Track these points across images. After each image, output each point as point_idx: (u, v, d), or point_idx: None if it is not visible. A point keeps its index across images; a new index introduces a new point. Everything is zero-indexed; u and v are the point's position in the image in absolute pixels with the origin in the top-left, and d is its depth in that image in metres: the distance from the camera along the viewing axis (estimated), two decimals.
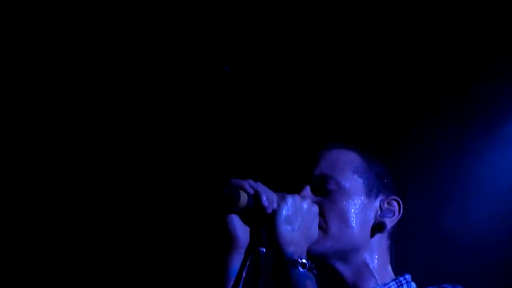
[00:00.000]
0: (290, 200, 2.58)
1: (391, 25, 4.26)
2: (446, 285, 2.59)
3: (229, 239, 2.55)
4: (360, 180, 2.71)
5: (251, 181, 2.57)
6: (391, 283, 2.68)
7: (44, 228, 4.63)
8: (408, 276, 2.71)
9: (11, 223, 4.58)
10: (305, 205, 2.60)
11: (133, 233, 4.62)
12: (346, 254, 2.66)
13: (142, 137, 4.53)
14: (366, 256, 2.67)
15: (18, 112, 4.54)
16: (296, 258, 2.49)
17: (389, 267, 2.72)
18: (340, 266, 2.66)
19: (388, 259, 2.72)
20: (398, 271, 2.74)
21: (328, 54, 4.37)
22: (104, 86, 4.53)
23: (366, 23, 4.26)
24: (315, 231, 2.61)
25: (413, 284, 2.71)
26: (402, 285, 2.68)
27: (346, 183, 2.69)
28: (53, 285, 4.64)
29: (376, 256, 2.68)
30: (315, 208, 2.63)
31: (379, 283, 2.66)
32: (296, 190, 2.70)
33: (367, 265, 2.67)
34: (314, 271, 2.51)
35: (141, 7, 4.32)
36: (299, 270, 2.48)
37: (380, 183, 2.73)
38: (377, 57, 4.32)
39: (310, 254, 2.55)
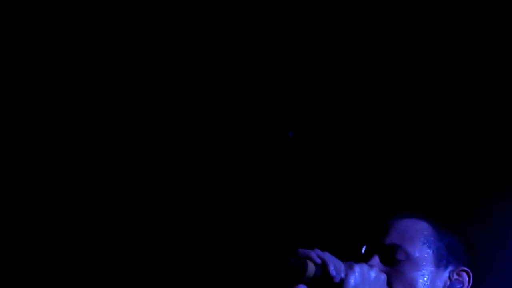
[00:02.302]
0: (357, 269, 2.56)
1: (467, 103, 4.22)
2: None
3: None
4: (430, 251, 2.68)
5: (318, 251, 2.56)
6: None
7: (44, 228, 4.61)
8: None
9: (11, 223, 4.57)
10: (373, 274, 2.58)
11: None
12: None
13: (208, 210, 4.52)
14: None
15: (18, 112, 4.49)
16: None
17: None
18: None
19: None
20: None
21: (397, 122, 4.33)
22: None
23: (435, 96, 4.22)
24: None
25: None
26: None
27: (416, 253, 2.66)
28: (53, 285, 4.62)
29: None
30: (383, 277, 2.61)
31: None
32: (365, 259, 2.68)
33: None
34: None
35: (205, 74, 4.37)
36: None
37: (450, 253, 2.70)
38: (450, 130, 4.27)
39: None
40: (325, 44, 4.21)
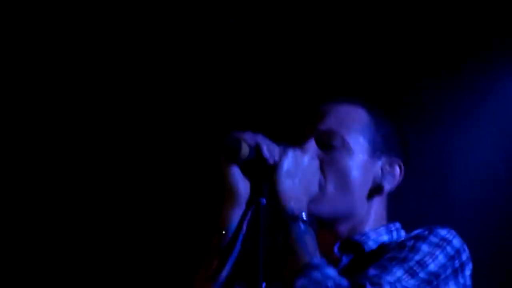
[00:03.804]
0: (291, 153, 2.55)
1: None
2: (434, 226, 2.58)
3: (230, 192, 2.55)
4: (365, 140, 2.68)
5: (252, 133, 2.54)
6: (381, 228, 2.70)
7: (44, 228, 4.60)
8: (398, 224, 2.73)
9: (10, 223, 4.55)
10: (306, 159, 2.57)
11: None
12: (342, 215, 2.67)
13: (142, 90, 4.47)
14: (363, 216, 2.68)
15: (18, 112, 4.48)
16: (296, 214, 2.49)
17: (384, 223, 2.73)
18: (336, 225, 2.68)
19: (385, 219, 2.74)
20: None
21: (335, 11, 4.27)
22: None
23: None
24: (315, 187, 2.60)
25: (403, 232, 2.71)
26: (391, 231, 2.70)
27: (351, 141, 2.66)
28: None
29: (373, 217, 2.69)
30: (316, 163, 2.61)
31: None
32: (301, 142, 2.66)
33: (362, 223, 2.68)
34: (314, 226, 2.52)
35: None
36: (300, 225, 2.48)
37: (385, 144, 2.70)
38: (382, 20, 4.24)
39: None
40: None
